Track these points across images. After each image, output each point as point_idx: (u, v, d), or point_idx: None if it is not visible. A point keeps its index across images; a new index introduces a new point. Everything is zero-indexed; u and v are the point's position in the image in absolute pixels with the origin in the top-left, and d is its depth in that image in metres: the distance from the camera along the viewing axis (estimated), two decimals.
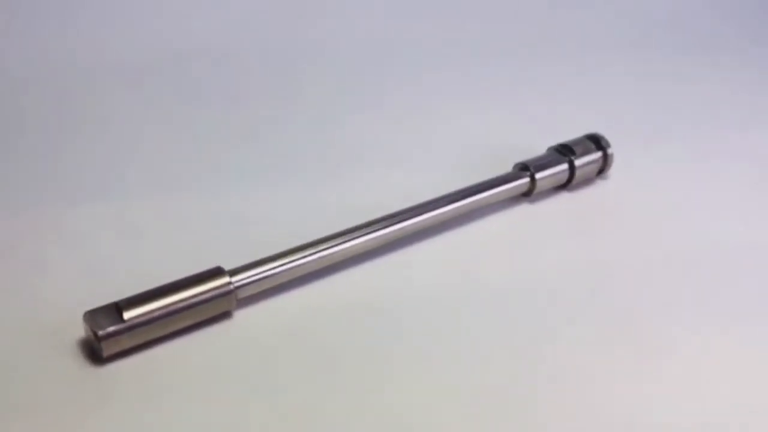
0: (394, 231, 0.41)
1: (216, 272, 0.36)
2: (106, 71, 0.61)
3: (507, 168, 0.47)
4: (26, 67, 0.61)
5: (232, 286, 0.35)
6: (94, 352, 0.34)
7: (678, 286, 0.40)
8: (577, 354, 0.35)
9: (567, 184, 0.47)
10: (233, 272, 0.36)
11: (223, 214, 0.45)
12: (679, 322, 0.37)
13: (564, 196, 0.48)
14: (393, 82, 0.63)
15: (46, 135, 0.53)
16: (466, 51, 0.69)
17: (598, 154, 0.47)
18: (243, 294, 0.36)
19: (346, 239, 0.39)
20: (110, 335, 0.33)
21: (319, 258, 0.38)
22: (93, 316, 0.33)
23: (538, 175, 0.45)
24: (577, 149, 0.47)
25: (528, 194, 0.46)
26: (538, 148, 0.48)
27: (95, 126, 0.54)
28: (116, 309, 0.33)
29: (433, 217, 0.42)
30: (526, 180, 0.45)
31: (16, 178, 0.48)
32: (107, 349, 0.33)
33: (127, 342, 0.33)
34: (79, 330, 0.35)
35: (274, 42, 0.68)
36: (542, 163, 0.46)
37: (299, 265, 0.38)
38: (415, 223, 0.41)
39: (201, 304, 0.35)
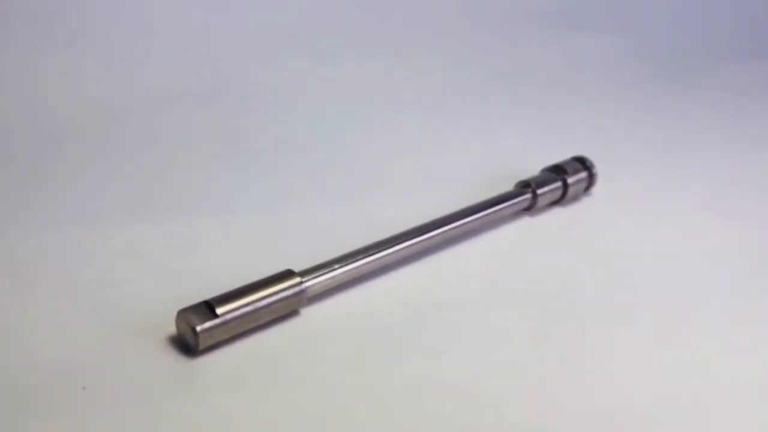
0: (426, 239, 0.46)
1: (288, 274, 0.40)
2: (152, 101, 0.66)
3: (505, 186, 0.53)
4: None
5: (303, 286, 0.40)
6: (186, 346, 0.38)
7: (654, 286, 0.46)
8: (581, 338, 0.41)
9: (560, 200, 0.54)
10: (302, 273, 0.41)
11: (273, 228, 0.50)
12: (659, 317, 0.43)
13: (558, 210, 0.55)
14: (404, 115, 0.70)
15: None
16: (464, 85, 0.77)
17: (585, 174, 0.55)
18: (311, 293, 0.41)
19: (388, 247, 0.44)
20: (207, 330, 0.37)
21: (370, 262, 0.43)
22: (187, 314, 0.37)
23: (539, 192, 0.52)
24: (568, 169, 0.54)
25: (529, 209, 0.53)
26: (531, 169, 0.55)
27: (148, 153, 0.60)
28: (207, 307, 0.37)
29: (459, 225, 0.48)
30: (529, 196, 0.52)
31: (93, 197, 0.53)
32: (203, 343, 0.37)
33: (219, 335, 0.37)
34: (168, 329, 0.38)
35: (290, 82, 0.74)
36: (541, 181, 0.53)
37: (354, 268, 0.43)
38: (444, 232, 0.47)
39: (279, 301, 0.39)
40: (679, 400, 0.37)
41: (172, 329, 0.38)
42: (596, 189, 0.56)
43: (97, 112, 0.66)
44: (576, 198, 0.56)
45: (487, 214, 0.50)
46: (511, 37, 0.86)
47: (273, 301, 0.39)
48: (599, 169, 0.55)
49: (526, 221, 0.53)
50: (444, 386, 0.37)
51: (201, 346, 0.37)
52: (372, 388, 0.36)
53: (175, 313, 0.38)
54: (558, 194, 0.54)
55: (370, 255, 0.43)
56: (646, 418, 0.36)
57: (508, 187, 0.53)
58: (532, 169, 0.56)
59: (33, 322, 0.39)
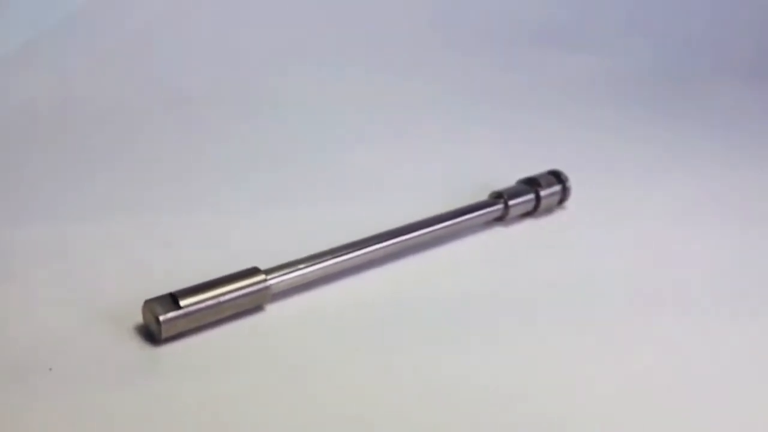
0: (395, 244, 0.48)
1: (253, 271, 0.42)
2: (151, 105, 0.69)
3: (482, 196, 0.55)
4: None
5: (267, 283, 0.42)
6: (151, 335, 0.39)
7: (622, 299, 0.48)
8: (543, 343, 0.43)
9: (533, 212, 0.56)
10: (268, 271, 0.42)
11: (248, 227, 0.52)
12: (627, 328, 0.45)
13: (530, 222, 0.56)
14: (385, 126, 0.73)
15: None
16: (446, 99, 0.79)
17: (559, 187, 0.56)
18: (276, 290, 0.43)
19: (357, 249, 0.46)
20: (169, 320, 0.39)
21: (336, 263, 0.45)
22: (152, 304, 0.39)
23: (510, 203, 0.54)
24: (542, 182, 0.55)
25: (501, 219, 0.54)
26: (508, 180, 0.57)
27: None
28: (172, 298, 0.39)
29: (426, 233, 0.49)
30: (501, 206, 0.54)
31: (74, 192, 0.55)
32: (166, 332, 0.39)
33: (181, 326, 0.39)
34: (135, 318, 0.40)
35: (275, 91, 0.76)
36: (514, 193, 0.54)
37: (320, 268, 0.44)
38: (412, 238, 0.49)
39: (243, 297, 0.41)
40: (643, 408, 0.38)
41: (139, 319, 0.40)
42: (570, 202, 0.58)
43: (83, 111, 0.68)
44: (549, 210, 0.57)
45: (458, 222, 0.51)
46: (493, 56, 0.88)
47: (236, 296, 0.41)
48: (574, 183, 0.57)
49: (498, 231, 0.54)
50: (401, 384, 0.38)
51: (164, 335, 0.39)
52: (330, 382, 0.38)
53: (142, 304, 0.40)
54: (531, 206, 0.55)
55: (336, 256, 0.45)
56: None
57: (484, 197, 0.55)
58: (510, 181, 0.57)
59: (4, 306, 0.41)
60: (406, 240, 0.48)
